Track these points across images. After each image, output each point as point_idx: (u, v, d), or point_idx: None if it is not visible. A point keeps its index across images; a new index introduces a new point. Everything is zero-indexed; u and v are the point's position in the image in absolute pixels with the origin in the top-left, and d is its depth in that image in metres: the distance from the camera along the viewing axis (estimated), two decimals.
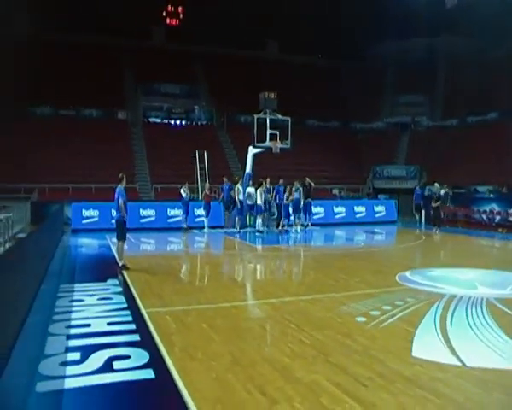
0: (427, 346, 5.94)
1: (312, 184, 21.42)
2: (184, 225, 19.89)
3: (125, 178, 11.27)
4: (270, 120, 21.36)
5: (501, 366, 5.33)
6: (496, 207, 21.94)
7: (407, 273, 10.56)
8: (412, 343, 5.99)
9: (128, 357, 5.43)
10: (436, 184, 20.46)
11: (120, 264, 11.00)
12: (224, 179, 21.35)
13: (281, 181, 20.86)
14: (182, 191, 20.05)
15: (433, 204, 20.38)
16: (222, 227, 20.89)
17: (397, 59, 41.11)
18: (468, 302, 7.90)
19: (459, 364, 5.38)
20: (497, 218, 21.60)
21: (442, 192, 20.81)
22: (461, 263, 12.71)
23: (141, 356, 5.47)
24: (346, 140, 37.51)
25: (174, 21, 42.85)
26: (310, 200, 21.24)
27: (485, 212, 22.34)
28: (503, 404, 4.47)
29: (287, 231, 19.73)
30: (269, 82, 29.66)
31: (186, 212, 20.00)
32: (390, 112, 41.02)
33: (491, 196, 24.42)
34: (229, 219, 20.93)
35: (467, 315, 7.20)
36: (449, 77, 39.82)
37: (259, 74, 36.54)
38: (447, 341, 6.06)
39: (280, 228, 19.92)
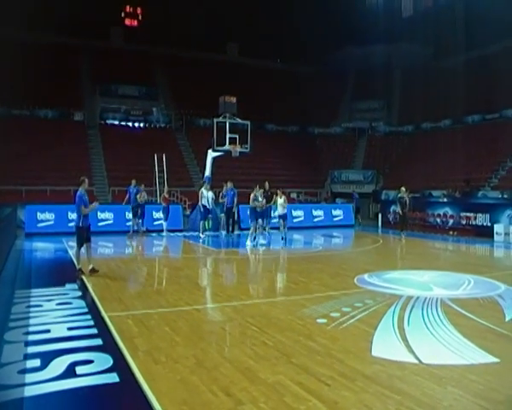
0: (385, 345, 6.14)
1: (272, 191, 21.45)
2: (138, 228, 19.54)
3: (86, 181, 11.06)
4: (230, 123, 21.53)
5: (454, 362, 5.59)
6: (449, 211, 22.71)
7: (365, 276, 10.84)
8: (371, 343, 6.18)
9: (91, 362, 5.39)
10: (403, 189, 20.28)
11: (77, 268, 10.82)
12: (229, 185, 20.74)
13: (229, 184, 20.67)
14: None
15: (400, 209, 20.18)
16: (181, 231, 20.84)
17: (355, 65, 41.97)
18: (424, 303, 8.20)
19: (416, 361, 5.61)
20: (450, 221, 22.38)
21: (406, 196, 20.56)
22: (416, 266, 13.14)
23: (104, 360, 5.44)
24: (304, 144, 38.03)
25: (133, 22, 42.37)
26: (270, 205, 21.29)
27: (439, 215, 23.11)
28: (455, 396, 4.71)
29: (245, 236, 19.82)
30: (228, 85, 29.81)
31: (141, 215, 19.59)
32: (348, 117, 41.87)
33: (445, 200, 25.27)
34: (189, 222, 20.95)
35: (423, 315, 7.48)
36: (405, 84, 40.95)
37: (219, 77, 36.62)
38: (405, 340, 6.29)
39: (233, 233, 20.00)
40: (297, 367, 5.40)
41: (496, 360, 5.67)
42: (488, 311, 7.91)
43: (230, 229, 20.57)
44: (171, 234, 20.02)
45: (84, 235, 10.90)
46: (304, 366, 5.45)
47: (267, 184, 21.15)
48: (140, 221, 19.53)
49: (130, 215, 19.69)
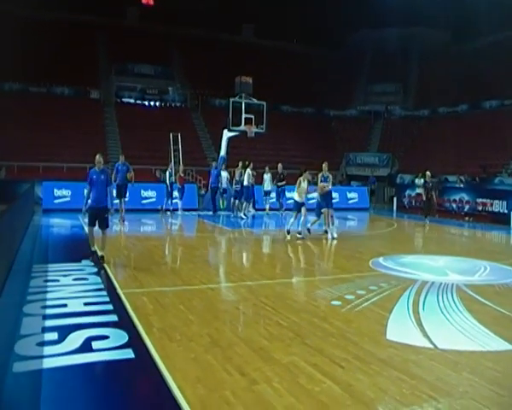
0: (400, 329, 6.09)
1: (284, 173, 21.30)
2: (167, 208, 19.75)
3: (97, 158, 9.82)
4: (246, 104, 21.38)
5: (470, 348, 5.53)
6: (465, 197, 22.43)
7: (380, 259, 10.75)
8: (386, 327, 6.13)
9: (107, 337, 5.42)
10: (428, 173, 19.71)
11: (92, 249, 10.05)
12: (214, 164, 21.22)
13: (214, 164, 21.11)
14: (167, 174, 19.97)
15: (424, 194, 19.85)
16: (196, 210, 20.88)
17: (371, 48, 41.46)
18: (439, 288, 8.12)
19: (431, 346, 5.55)
20: (466, 207, 22.11)
21: (429, 181, 20.01)
22: (432, 250, 13.05)
23: (120, 336, 5.46)
24: (319, 127, 37.75)
25: (149, 1, 42.06)
26: (284, 186, 21.18)
27: (454, 201, 22.84)
28: (470, 382, 4.65)
29: (263, 216, 19.80)
30: (244, 66, 29.57)
31: (169, 194, 19.81)
32: (364, 100, 41.43)
33: (461, 185, 24.97)
34: (204, 202, 20.95)
35: (438, 300, 7.40)
36: (422, 67, 40.38)
37: (235, 58, 36.39)
38: (420, 324, 6.23)
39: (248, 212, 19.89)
40: (311, 349, 5.38)
41: (510, 346, 5.59)
42: (504, 298, 7.81)
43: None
44: (187, 213, 20.04)
45: (94, 216, 9.82)
46: (318, 347, 5.43)
47: (280, 165, 21.03)
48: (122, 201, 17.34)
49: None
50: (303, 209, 13.55)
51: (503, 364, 5.13)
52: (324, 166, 14.27)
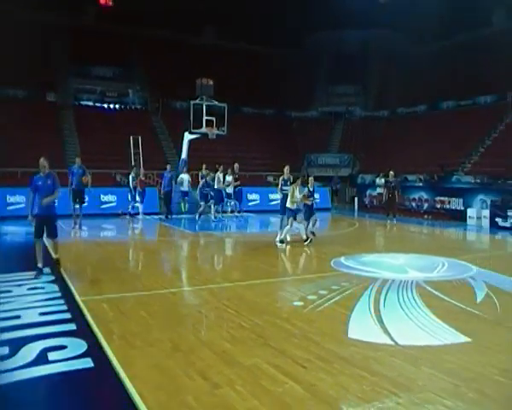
0: (361, 327, 6.19)
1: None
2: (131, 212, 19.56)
3: (41, 162, 9.03)
4: (207, 106, 21.32)
5: (429, 343, 5.67)
6: (424, 195, 22.97)
7: (341, 259, 10.89)
8: (348, 325, 6.22)
9: (64, 347, 5.27)
10: (391, 172, 20.09)
11: (39, 266, 8.93)
12: (168, 167, 21.02)
13: (168, 167, 21.06)
14: (130, 177, 19.85)
15: (386, 193, 20.18)
16: (157, 214, 20.68)
17: (332, 49, 41.89)
18: (399, 285, 8.28)
19: (392, 343, 5.66)
20: (425, 205, 22.65)
21: (393, 180, 20.33)
22: (392, 249, 13.33)
23: (78, 346, 5.33)
24: (281, 128, 37.92)
25: (108, 1, 41.36)
26: (240, 187, 21.11)
27: (414, 199, 23.36)
28: (429, 376, 4.77)
29: (221, 219, 19.75)
30: (205, 68, 29.44)
31: (133, 198, 19.68)
32: (325, 101, 41.83)
33: (421, 184, 25.54)
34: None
35: (398, 297, 7.56)
36: (381, 69, 41.09)
37: (196, 60, 36.13)
38: (380, 322, 6.35)
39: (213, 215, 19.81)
40: (274, 350, 5.39)
41: (468, 339, 5.79)
42: (461, 292, 8.04)
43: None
44: (148, 217, 19.82)
45: (41, 225, 9.03)
46: (280, 348, 5.45)
47: (236, 165, 20.84)
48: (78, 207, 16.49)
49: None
50: (298, 217, 13.33)
51: (460, 356, 5.30)
52: (286, 169, 14.27)
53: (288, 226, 13.14)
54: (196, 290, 8.30)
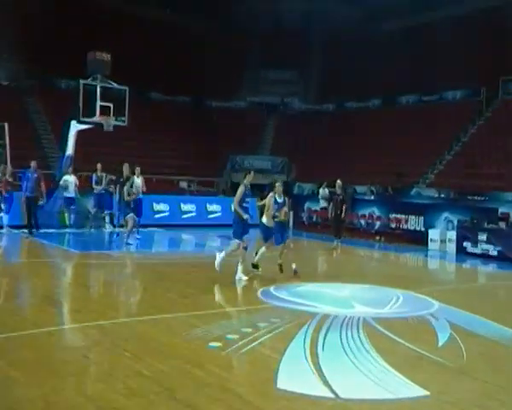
0: (294, 376, 6.28)
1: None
2: None
3: None
4: (102, 88, 21.04)
5: (378, 396, 5.83)
6: (376, 212, 23.61)
7: (271, 289, 11.04)
8: (277, 373, 6.27)
9: None
10: (339, 182, 19.53)
11: None
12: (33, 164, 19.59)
13: (33, 164, 19.68)
14: None
15: (332, 209, 19.70)
16: (26, 227, 20.01)
17: (266, 24, 42.18)
18: (342, 323, 8.49)
19: (332, 395, 5.77)
20: (377, 224, 23.31)
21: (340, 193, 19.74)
22: (335, 277, 13.64)
23: None
24: (198, 121, 37.92)
25: None
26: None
27: (363, 216, 24.00)
28: None
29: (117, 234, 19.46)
30: (102, 38, 29.04)
31: None
32: (254, 89, 42.06)
33: (372, 197, 26.22)
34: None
35: (341, 338, 7.73)
36: (328, 52, 41.66)
37: (89, 27, 35.44)
38: (318, 369, 6.46)
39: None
40: (181, 405, 5.39)
41: (426, 392, 5.98)
42: (419, 334, 8.37)
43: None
44: (15, 231, 19.14)
45: None
46: (191, 402, 5.44)
47: (126, 166, 20.18)
48: None
49: None
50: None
51: None
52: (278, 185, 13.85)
53: (264, 249, 13.05)
54: (82, 328, 8.14)
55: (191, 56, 38.98)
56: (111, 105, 21.10)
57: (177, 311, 9.20)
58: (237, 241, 12.22)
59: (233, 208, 12.63)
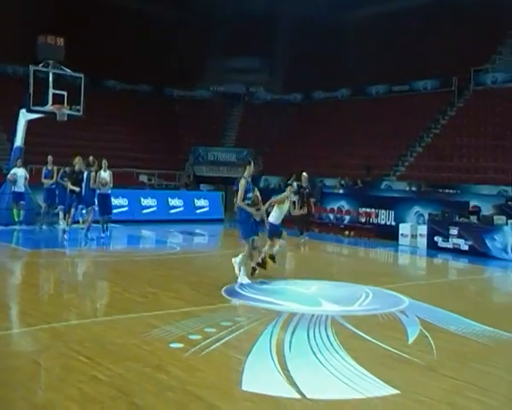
0: (260, 377, 6.29)
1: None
2: None
3: None
4: (55, 75, 20.78)
5: (346, 396, 5.87)
6: (345, 206, 23.79)
7: (236, 286, 11.04)
8: (242, 374, 6.27)
9: None
10: (305, 175, 19.62)
11: None
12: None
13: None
14: None
15: (298, 203, 19.70)
16: None
17: (229, 9, 42.09)
18: (310, 322, 8.51)
19: (298, 396, 5.78)
20: (347, 218, 23.50)
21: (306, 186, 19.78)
22: (302, 274, 13.68)
23: None
24: (159, 111, 37.73)
25: None
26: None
27: (332, 210, 24.15)
28: None
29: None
30: (54, 21, 28.63)
31: None
32: (218, 78, 41.95)
33: (341, 191, 26.41)
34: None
35: (308, 337, 7.76)
36: (294, 40, 41.72)
37: (40, 8, 34.88)
38: (285, 369, 6.46)
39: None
40: None
41: (395, 391, 6.02)
42: (388, 331, 8.43)
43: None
44: None
45: None
46: (151, 407, 5.40)
47: (78, 159, 19.87)
48: None
49: None
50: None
51: None
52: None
53: (267, 247, 12.87)
54: (32, 332, 7.99)
55: (151, 43, 38.68)
56: (65, 93, 20.85)
57: (137, 311, 9.11)
58: (248, 241, 11.86)
59: (236, 206, 12.35)
